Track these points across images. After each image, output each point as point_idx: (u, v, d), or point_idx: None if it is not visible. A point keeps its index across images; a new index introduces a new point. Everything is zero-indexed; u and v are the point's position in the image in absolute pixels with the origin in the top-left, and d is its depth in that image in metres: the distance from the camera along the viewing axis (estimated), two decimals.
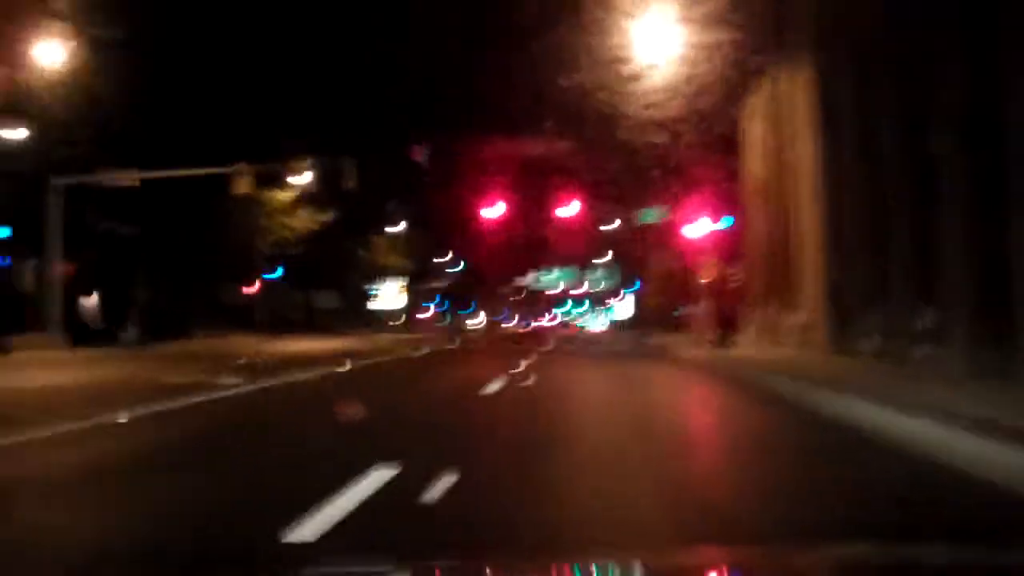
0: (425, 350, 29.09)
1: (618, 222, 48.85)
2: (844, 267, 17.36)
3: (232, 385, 13.05)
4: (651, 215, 31.42)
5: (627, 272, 71.42)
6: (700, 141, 27.19)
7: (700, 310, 30.07)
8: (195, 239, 37.14)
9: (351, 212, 44.54)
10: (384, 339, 42.28)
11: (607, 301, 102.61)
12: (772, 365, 15.72)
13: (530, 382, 13.96)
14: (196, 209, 34.52)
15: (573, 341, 39.86)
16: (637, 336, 41.32)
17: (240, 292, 43.56)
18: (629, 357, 23.59)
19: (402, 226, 61.09)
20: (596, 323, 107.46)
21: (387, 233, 59.75)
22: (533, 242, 63.22)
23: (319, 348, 28.39)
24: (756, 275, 26.54)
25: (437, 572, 2.56)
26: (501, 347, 32.77)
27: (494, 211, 36.11)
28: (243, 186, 26.52)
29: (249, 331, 39.10)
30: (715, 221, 29.02)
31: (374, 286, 66.00)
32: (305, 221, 41.06)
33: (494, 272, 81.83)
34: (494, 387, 12.66)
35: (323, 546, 4.15)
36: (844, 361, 15.68)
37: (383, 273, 63.09)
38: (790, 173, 21.95)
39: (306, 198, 39.96)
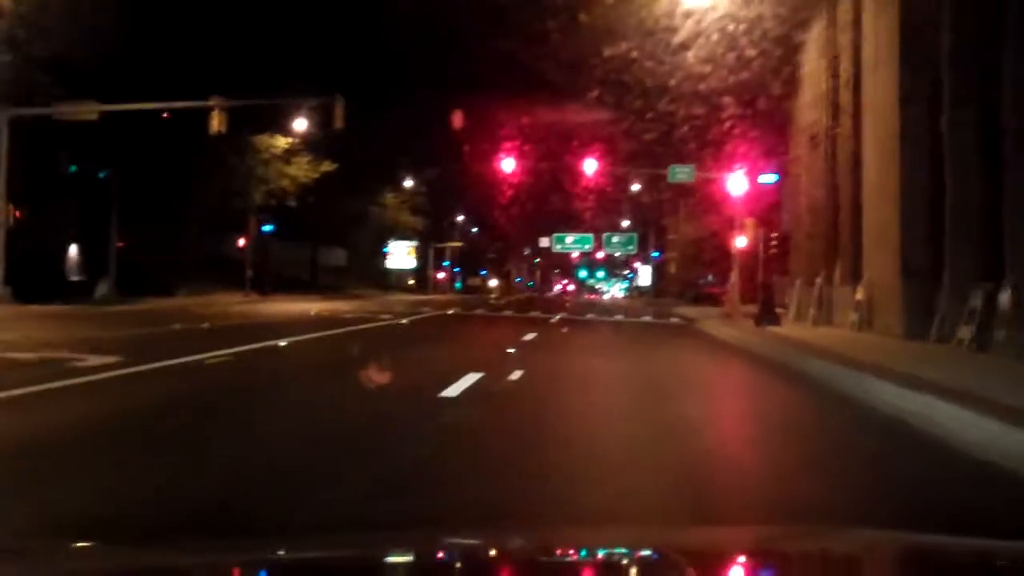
0: (419, 315, 25.97)
1: (638, 186, 45.50)
2: (929, 231, 13.88)
3: (89, 369, 9.05)
4: (681, 173, 28.07)
5: (647, 239, 68.16)
6: (738, 92, 23.84)
7: (732, 280, 26.75)
8: (179, 186, 33.99)
9: (360, 166, 41.25)
10: (385, 301, 39.42)
11: (626, 269, 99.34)
12: (863, 357, 11.06)
13: (517, 376, 9.98)
14: (181, 153, 31.32)
15: (588, 312, 36.54)
16: (660, 308, 38.13)
17: (238, 247, 40.44)
18: (654, 337, 20.28)
19: (414, 183, 57.44)
20: (614, 291, 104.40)
21: (400, 190, 56.07)
22: (552, 206, 59.83)
23: (298, 311, 25.32)
24: (803, 241, 23.13)
25: (440, 553, 2.10)
26: (505, 316, 29.55)
27: (510, 171, 33.02)
28: (218, 122, 23.33)
29: (240, 289, 36.15)
30: (754, 180, 25.60)
31: (386, 245, 62.90)
32: (304, 170, 37.75)
33: (510, 236, 78.72)
34: (465, 384, 8.73)
35: None
36: (940, 351, 12.22)
37: (395, 231, 59.63)
38: (853, 116, 18.43)
39: (309, 147, 36.68)
